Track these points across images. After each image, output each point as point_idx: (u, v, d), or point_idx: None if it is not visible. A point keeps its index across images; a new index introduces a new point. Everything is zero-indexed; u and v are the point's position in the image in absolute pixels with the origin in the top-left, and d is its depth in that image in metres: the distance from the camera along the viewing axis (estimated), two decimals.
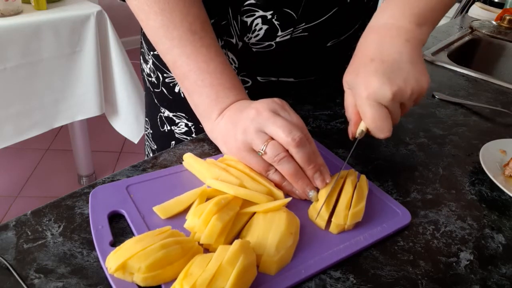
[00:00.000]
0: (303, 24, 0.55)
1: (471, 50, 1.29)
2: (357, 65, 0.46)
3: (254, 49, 0.57)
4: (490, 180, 0.57)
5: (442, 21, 1.50)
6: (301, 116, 0.69)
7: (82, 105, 1.49)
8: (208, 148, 0.58)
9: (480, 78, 0.96)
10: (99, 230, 0.42)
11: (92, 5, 1.41)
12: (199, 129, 0.72)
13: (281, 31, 0.55)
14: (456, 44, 1.20)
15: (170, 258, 0.37)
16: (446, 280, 0.42)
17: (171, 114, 0.74)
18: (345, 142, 0.63)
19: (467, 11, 1.55)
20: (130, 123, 1.60)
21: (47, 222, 0.43)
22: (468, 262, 0.45)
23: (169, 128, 0.77)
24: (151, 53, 0.71)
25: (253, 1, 0.53)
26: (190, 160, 0.52)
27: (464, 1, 1.54)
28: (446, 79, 0.94)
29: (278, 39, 0.56)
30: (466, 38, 1.26)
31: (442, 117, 0.75)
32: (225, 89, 0.49)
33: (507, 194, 0.56)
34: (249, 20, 0.54)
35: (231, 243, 0.39)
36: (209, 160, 0.51)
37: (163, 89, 0.72)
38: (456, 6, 1.59)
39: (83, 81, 1.45)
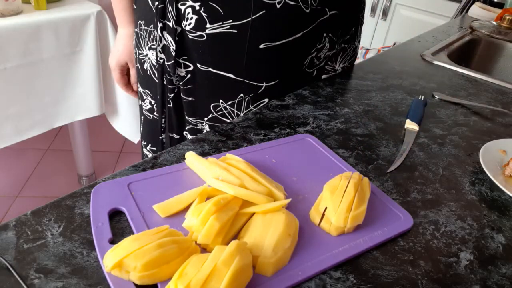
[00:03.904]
0: (230, 20, 0.58)
1: (471, 50, 1.29)
2: None
3: (190, 36, 0.61)
4: (490, 180, 0.57)
5: (442, 21, 1.50)
6: (301, 116, 0.69)
7: (82, 105, 1.49)
8: (208, 148, 0.58)
9: (480, 78, 0.96)
10: (99, 227, 0.42)
11: (92, 5, 1.41)
12: (160, 108, 0.76)
13: (209, 24, 0.59)
14: (456, 44, 1.20)
15: (166, 258, 0.37)
16: (446, 280, 0.42)
17: (141, 90, 0.81)
18: (345, 142, 0.63)
19: (467, 11, 1.55)
20: (130, 123, 1.60)
21: (47, 222, 0.43)
22: (468, 262, 0.45)
23: (140, 103, 0.84)
24: (135, 30, 0.77)
25: None
26: (192, 159, 0.52)
27: (464, 1, 1.54)
28: (446, 79, 0.94)
29: (207, 31, 0.60)
30: (466, 38, 1.26)
31: (442, 117, 0.75)
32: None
33: (507, 194, 0.56)
34: (182, 7, 0.60)
35: (229, 243, 0.39)
36: (211, 159, 0.51)
37: (138, 65, 0.79)
38: (456, 6, 1.59)
39: (83, 81, 1.44)
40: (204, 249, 0.41)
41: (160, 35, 0.65)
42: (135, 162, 0.53)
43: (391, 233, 0.46)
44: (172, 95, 0.73)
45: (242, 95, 0.66)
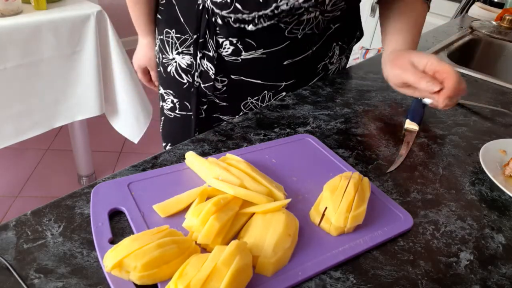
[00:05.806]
0: (262, 49, 0.72)
1: (471, 50, 1.29)
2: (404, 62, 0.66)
3: (226, 59, 0.74)
4: (490, 180, 0.57)
5: (442, 21, 1.50)
6: (301, 116, 0.69)
7: (82, 105, 1.49)
8: (208, 148, 0.58)
9: (480, 78, 0.96)
10: (99, 227, 0.42)
11: (92, 5, 1.41)
12: (183, 105, 0.84)
13: (244, 52, 0.72)
14: (456, 44, 1.20)
15: (166, 258, 0.37)
16: (446, 280, 0.42)
17: (163, 91, 0.88)
18: (345, 142, 0.63)
19: (467, 11, 1.55)
20: (130, 123, 1.59)
21: (47, 222, 0.43)
22: (468, 262, 0.45)
23: (161, 104, 0.91)
24: (159, 37, 0.84)
25: (225, 32, 0.71)
26: (192, 159, 0.52)
27: (464, 1, 1.54)
28: None
29: (242, 57, 0.73)
30: (466, 38, 1.26)
31: (442, 117, 0.75)
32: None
33: (507, 194, 0.56)
34: (220, 40, 0.72)
35: (229, 243, 0.39)
36: (211, 159, 0.51)
37: (161, 68, 0.86)
38: (456, 6, 1.59)
39: (83, 81, 1.44)
40: (204, 249, 0.41)
41: (199, 62, 0.76)
42: (135, 162, 0.53)
43: (391, 233, 0.46)
44: (205, 106, 0.82)
45: (265, 92, 0.80)
